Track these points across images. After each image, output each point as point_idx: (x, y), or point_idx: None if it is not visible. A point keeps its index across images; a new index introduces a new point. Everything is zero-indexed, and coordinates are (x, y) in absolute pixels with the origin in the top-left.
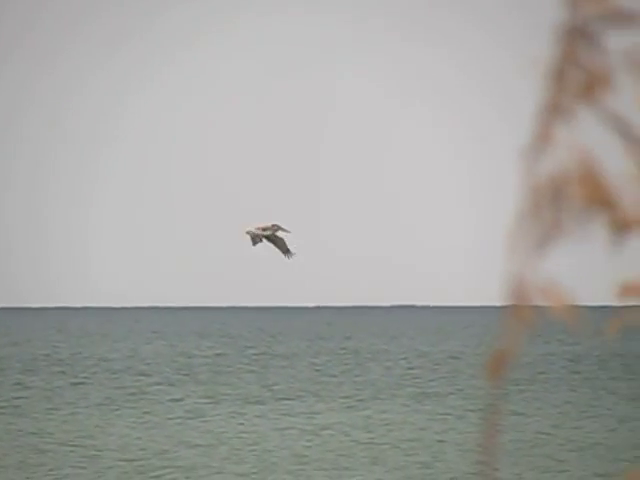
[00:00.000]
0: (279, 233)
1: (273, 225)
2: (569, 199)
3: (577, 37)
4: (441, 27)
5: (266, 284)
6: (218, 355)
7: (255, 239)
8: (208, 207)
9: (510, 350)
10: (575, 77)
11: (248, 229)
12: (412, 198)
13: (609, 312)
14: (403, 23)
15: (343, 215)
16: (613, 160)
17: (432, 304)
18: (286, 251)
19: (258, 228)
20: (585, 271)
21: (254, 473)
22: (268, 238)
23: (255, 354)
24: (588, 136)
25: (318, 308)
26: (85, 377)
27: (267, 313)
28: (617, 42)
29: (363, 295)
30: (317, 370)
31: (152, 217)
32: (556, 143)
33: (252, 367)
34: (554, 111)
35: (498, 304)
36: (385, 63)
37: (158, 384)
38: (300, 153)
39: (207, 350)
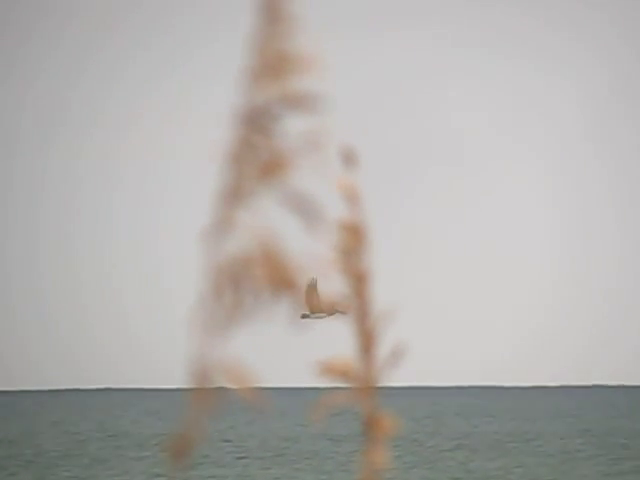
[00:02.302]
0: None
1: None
2: (251, 280)
3: (256, 118)
4: None
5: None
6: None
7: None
8: None
9: (192, 433)
10: (255, 159)
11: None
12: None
13: (299, 393)
14: None
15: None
16: (298, 241)
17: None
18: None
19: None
20: (269, 352)
21: None
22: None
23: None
24: (271, 218)
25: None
26: None
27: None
28: (296, 124)
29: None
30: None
31: None
32: (237, 225)
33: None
34: (235, 193)
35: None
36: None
37: None
38: None
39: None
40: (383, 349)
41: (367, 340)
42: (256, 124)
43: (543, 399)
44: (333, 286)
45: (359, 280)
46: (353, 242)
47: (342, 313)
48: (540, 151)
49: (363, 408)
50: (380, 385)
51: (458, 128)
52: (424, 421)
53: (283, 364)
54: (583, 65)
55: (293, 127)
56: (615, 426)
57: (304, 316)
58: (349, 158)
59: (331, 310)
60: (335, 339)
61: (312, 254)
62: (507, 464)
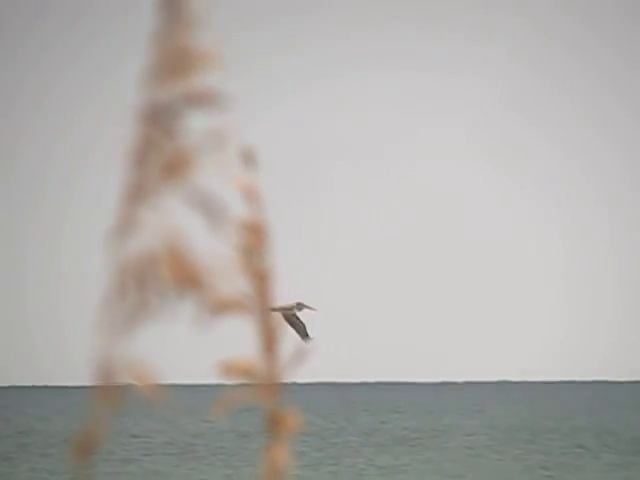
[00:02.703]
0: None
1: (297, 304)
2: (156, 279)
3: (158, 117)
4: None
5: None
6: None
7: (288, 317)
8: None
9: (97, 430)
10: (157, 157)
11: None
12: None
13: (206, 390)
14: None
15: None
16: (202, 240)
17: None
18: (305, 335)
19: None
20: (174, 350)
21: None
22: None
23: None
24: (175, 216)
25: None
26: None
27: None
28: (200, 121)
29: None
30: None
31: None
32: (142, 224)
33: None
34: (138, 192)
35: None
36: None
37: None
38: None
39: None
40: (287, 347)
41: (269, 338)
42: (158, 122)
43: (449, 395)
44: (236, 285)
45: (260, 279)
46: (254, 241)
47: (310, 309)
48: (453, 145)
49: (266, 405)
50: (284, 382)
51: (365, 125)
52: (331, 417)
53: (189, 362)
54: (492, 62)
55: (195, 125)
56: (521, 421)
57: (273, 309)
58: (248, 157)
59: (296, 308)
60: (239, 337)
61: (216, 253)
62: (414, 460)
